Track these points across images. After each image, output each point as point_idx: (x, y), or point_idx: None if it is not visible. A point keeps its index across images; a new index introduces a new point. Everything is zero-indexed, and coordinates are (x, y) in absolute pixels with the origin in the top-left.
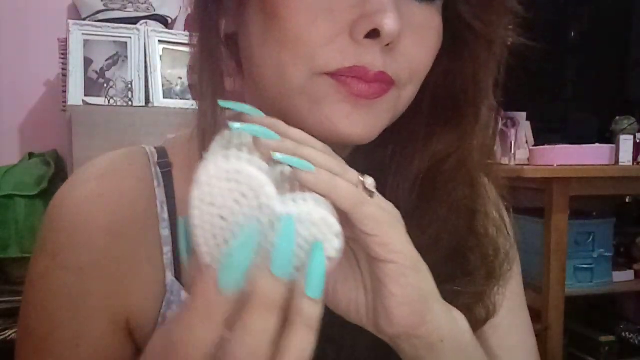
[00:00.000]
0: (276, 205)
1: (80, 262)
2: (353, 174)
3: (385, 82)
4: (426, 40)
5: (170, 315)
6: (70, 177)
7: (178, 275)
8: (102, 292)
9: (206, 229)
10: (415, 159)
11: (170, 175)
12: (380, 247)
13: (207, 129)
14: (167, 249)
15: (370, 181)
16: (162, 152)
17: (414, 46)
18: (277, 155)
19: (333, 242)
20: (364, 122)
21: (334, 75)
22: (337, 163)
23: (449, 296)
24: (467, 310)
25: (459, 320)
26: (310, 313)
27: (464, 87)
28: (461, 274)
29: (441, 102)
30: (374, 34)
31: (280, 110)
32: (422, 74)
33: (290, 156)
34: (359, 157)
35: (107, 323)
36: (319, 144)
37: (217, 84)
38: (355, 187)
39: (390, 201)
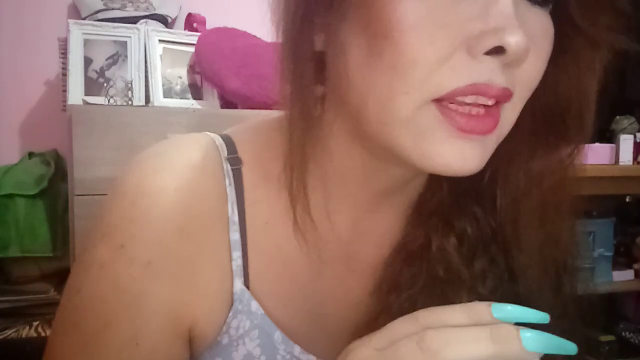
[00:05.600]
0: None
1: (149, 256)
2: None
3: (506, 99)
4: (542, 51)
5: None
6: (141, 160)
7: (247, 284)
8: (167, 292)
9: None
10: (517, 180)
11: (240, 173)
12: None
13: (299, 140)
14: (237, 255)
15: None
16: (230, 146)
17: (532, 58)
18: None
19: None
20: (479, 157)
21: (442, 101)
22: None
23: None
24: None
25: None
26: None
27: (569, 97)
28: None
29: (542, 117)
30: (496, 50)
31: (381, 144)
32: (534, 88)
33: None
34: (450, 180)
35: (169, 326)
36: None
37: (309, 105)
38: None
39: (487, 225)
